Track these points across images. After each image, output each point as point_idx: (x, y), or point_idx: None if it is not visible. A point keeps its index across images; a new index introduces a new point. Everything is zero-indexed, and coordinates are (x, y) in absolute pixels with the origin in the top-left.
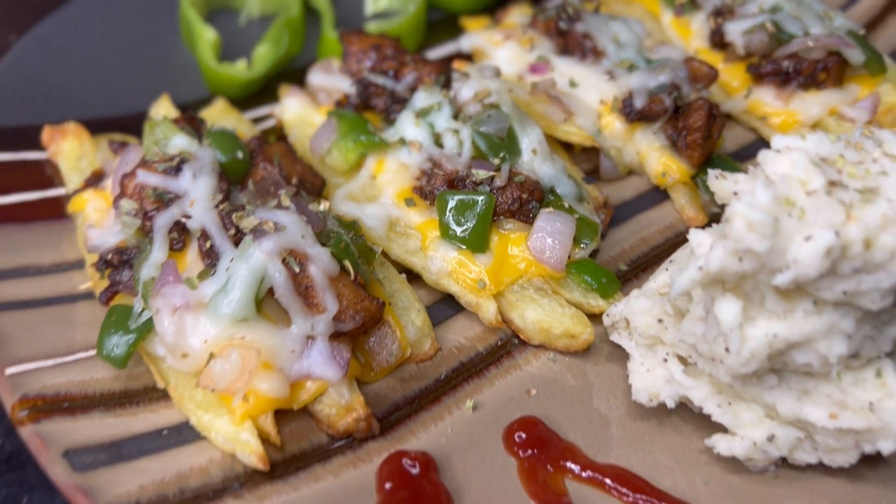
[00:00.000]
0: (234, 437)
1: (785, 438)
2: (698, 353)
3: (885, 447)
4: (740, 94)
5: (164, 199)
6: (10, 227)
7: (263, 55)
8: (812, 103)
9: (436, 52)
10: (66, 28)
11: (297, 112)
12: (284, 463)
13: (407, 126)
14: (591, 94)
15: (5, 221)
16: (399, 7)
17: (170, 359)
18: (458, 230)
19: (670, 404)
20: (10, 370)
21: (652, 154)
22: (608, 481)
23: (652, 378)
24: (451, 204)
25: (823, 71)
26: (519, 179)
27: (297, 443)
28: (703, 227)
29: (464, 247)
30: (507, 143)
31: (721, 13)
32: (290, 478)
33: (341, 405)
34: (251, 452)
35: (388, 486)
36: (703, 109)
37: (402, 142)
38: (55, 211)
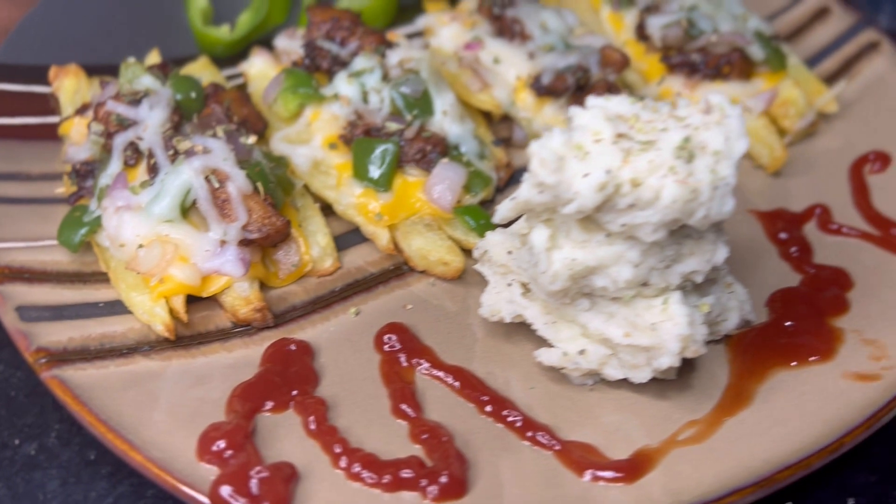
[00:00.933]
0: (150, 310)
1: (594, 354)
2: (529, 275)
3: (663, 362)
4: (655, 82)
5: (125, 124)
6: (11, 142)
7: (245, 21)
8: (715, 93)
9: (399, 30)
10: None
11: (260, 69)
12: (189, 337)
13: (341, 84)
14: (510, 70)
15: (8, 137)
16: None
17: (111, 248)
18: (367, 171)
19: (507, 319)
20: None
21: (556, 124)
22: (450, 378)
23: (498, 299)
24: (363, 148)
25: (727, 64)
26: (426, 134)
27: (204, 324)
28: None
29: (370, 185)
30: (421, 104)
31: (648, 9)
32: (192, 349)
33: (243, 298)
34: (161, 322)
35: (269, 361)
36: (601, 89)
37: (336, 97)
38: (51, 134)
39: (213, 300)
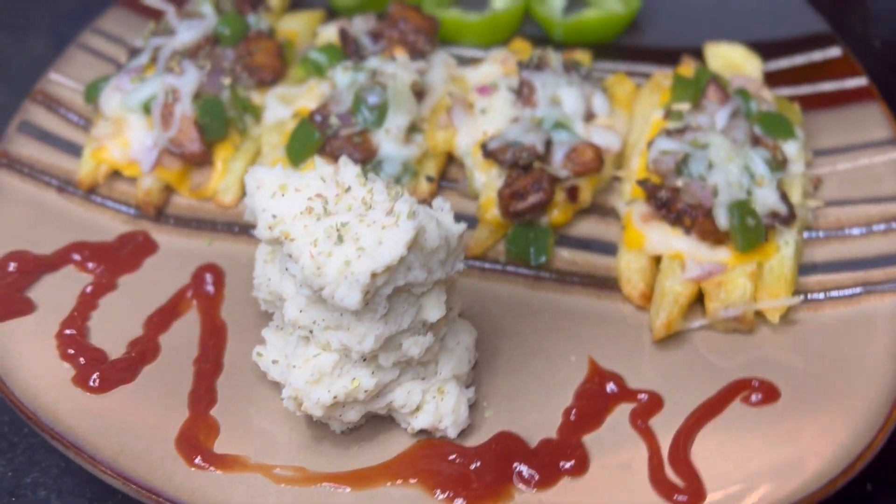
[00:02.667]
0: (84, 161)
1: (279, 369)
2: None
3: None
4: (625, 198)
5: (166, 32)
6: (138, 14)
7: None
8: (663, 238)
9: (481, 53)
10: None
11: (327, 35)
12: (97, 195)
13: (339, 71)
14: (487, 125)
15: (138, 11)
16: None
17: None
18: (290, 145)
19: (262, 307)
20: (53, 75)
21: (487, 189)
22: (206, 324)
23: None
24: (299, 128)
25: (688, 217)
26: (357, 140)
27: (119, 193)
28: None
29: (287, 157)
30: (374, 115)
31: (674, 131)
32: (89, 202)
33: (144, 188)
34: (80, 174)
35: (117, 239)
36: (531, 178)
37: (331, 79)
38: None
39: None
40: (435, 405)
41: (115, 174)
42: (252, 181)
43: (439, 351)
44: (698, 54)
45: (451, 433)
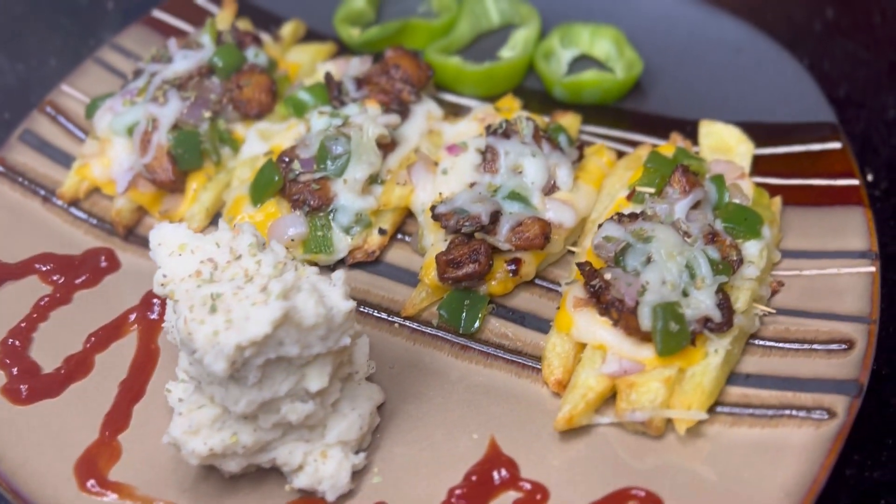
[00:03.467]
0: (69, 175)
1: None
2: None
3: None
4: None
5: (163, 59)
6: (155, 33)
7: (371, 33)
8: (589, 327)
9: (473, 103)
10: None
11: (325, 70)
12: (78, 209)
13: (315, 114)
14: (444, 186)
15: (157, 30)
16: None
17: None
18: (253, 184)
19: None
20: (64, 87)
21: (432, 251)
22: (140, 350)
23: None
24: (263, 170)
25: (615, 310)
26: (315, 187)
27: (99, 209)
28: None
29: (249, 196)
30: (336, 164)
31: (625, 217)
32: (69, 215)
33: (116, 207)
34: (65, 187)
35: (83, 254)
36: (468, 247)
37: (307, 121)
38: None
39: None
40: (315, 467)
41: (99, 191)
42: (155, 237)
43: (329, 415)
44: (695, 128)
45: (329, 497)
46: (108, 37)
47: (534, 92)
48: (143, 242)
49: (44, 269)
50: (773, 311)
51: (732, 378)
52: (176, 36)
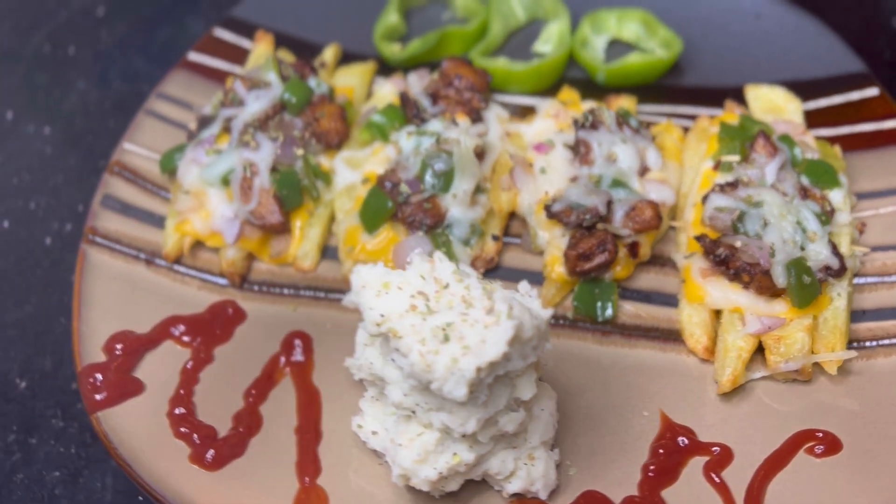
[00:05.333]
0: (168, 234)
1: (382, 440)
2: None
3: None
4: (683, 253)
5: (235, 102)
6: (197, 76)
7: (412, 47)
8: (723, 293)
9: (533, 101)
10: None
11: (384, 92)
12: (185, 266)
13: (403, 136)
14: (547, 185)
15: (198, 73)
16: (552, 54)
17: (179, 180)
18: (364, 213)
19: (355, 377)
20: (126, 145)
21: (551, 248)
22: (302, 392)
23: (364, 357)
24: (372, 196)
25: (746, 274)
26: (427, 206)
27: (202, 262)
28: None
29: (361, 224)
30: (441, 181)
31: (727, 185)
32: (178, 274)
33: (227, 258)
34: (166, 248)
35: (208, 311)
36: (595, 239)
37: (396, 143)
38: (224, 81)
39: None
40: (526, 471)
41: (197, 243)
42: (357, 280)
43: (528, 420)
44: (738, 94)
45: (542, 495)
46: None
47: (576, 80)
48: (262, 289)
49: (177, 332)
50: (868, 248)
51: (854, 316)
52: (215, 77)
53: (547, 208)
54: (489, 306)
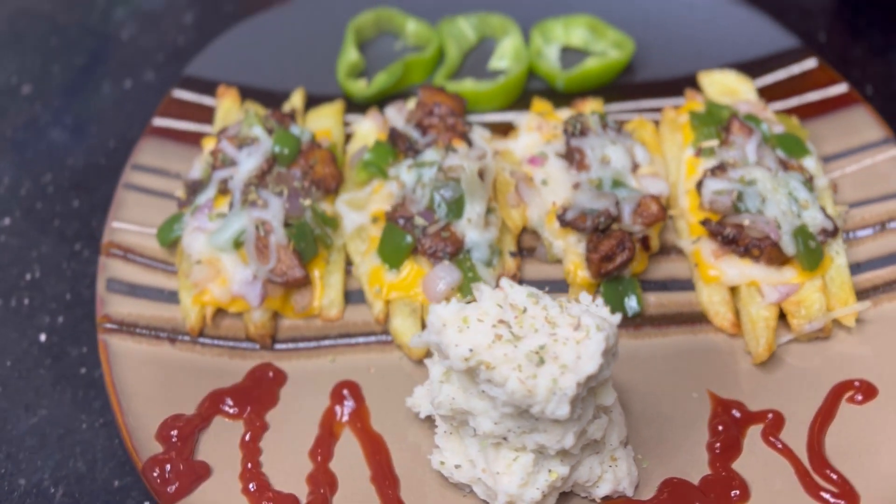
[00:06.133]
0: (188, 310)
1: (467, 472)
2: None
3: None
4: (692, 239)
5: (226, 163)
6: (168, 141)
7: (378, 81)
8: (737, 269)
9: (506, 116)
10: (283, 19)
11: (365, 130)
12: (210, 337)
13: (403, 170)
14: (552, 194)
15: (167, 138)
16: (510, 69)
17: (185, 252)
18: (384, 252)
19: (422, 415)
20: (115, 223)
21: (569, 255)
22: (366, 440)
23: (424, 394)
24: (390, 234)
25: (756, 248)
26: (445, 234)
27: (225, 330)
28: None
29: (384, 264)
30: (452, 207)
31: (716, 168)
32: (206, 347)
33: (255, 322)
34: (189, 323)
35: (248, 378)
36: (614, 239)
37: (396, 178)
38: (198, 142)
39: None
40: (612, 473)
41: (218, 311)
42: (437, 320)
43: (609, 424)
44: (691, 82)
45: (630, 492)
46: None
47: (537, 91)
48: (294, 345)
49: (225, 407)
50: (847, 206)
51: (851, 270)
52: (186, 139)
53: (560, 218)
54: (575, 322)
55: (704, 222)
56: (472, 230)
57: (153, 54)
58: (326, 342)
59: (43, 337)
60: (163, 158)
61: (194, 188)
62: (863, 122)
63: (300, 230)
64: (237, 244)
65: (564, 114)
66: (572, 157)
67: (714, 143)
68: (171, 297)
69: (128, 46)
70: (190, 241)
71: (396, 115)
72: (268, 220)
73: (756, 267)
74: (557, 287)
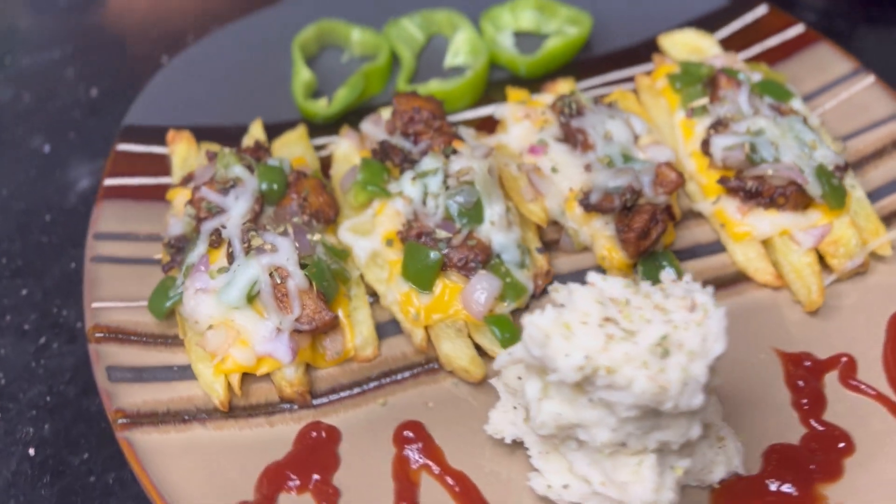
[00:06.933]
0: (210, 383)
1: (577, 490)
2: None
3: None
4: (710, 200)
5: (213, 211)
6: (127, 202)
7: (340, 97)
8: (767, 222)
9: (482, 111)
10: (212, 49)
11: (344, 151)
12: (242, 408)
13: (406, 183)
14: (566, 180)
15: (125, 197)
16: (470, 63)
17: (188, 322)
18: (412, 273)
19: (508, 440)
20: (94, 304)
21: (600, 240)
22: (450, 480)
23: (503, 418)
24: (413, 253)
25: (782, 196)
26: (471, 243)
27: (256, 396)
28: None
29: (413, 285)
30: (472, 213)
31: (716, 125)
32: (241, 419)
33: (288, 380)
34: (217, 397)
35: (299, 443)
36: (646, 213)
37: (400, 194)
38: (160, 194)
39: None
40: (724, 454)
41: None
42: (537, 331)
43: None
44: (650, 47)
45: (741, 469)
46: None
47: (502, 80)
48: (335, 397)
49: (287, 483)
50: (842, 140)
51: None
52: (146, 195)
53: (583, 203)
54: (688, 304)
55: (722, 181)
56: (496, 233)
57: (68, 111)
58: (370, 385)
59: (32, 451)
60: (126, 222)
61: (178, 246)
62: (829, 58)
63: (318, 268)
64: (251, 298)
65: (546, 98)
66: (574, 138)
67: (704, 101)
68: (184, 373)
69: (30, 108)
70: (194, 305)
71: (375, 128)
72: (281, 265)
73: (784, 215)
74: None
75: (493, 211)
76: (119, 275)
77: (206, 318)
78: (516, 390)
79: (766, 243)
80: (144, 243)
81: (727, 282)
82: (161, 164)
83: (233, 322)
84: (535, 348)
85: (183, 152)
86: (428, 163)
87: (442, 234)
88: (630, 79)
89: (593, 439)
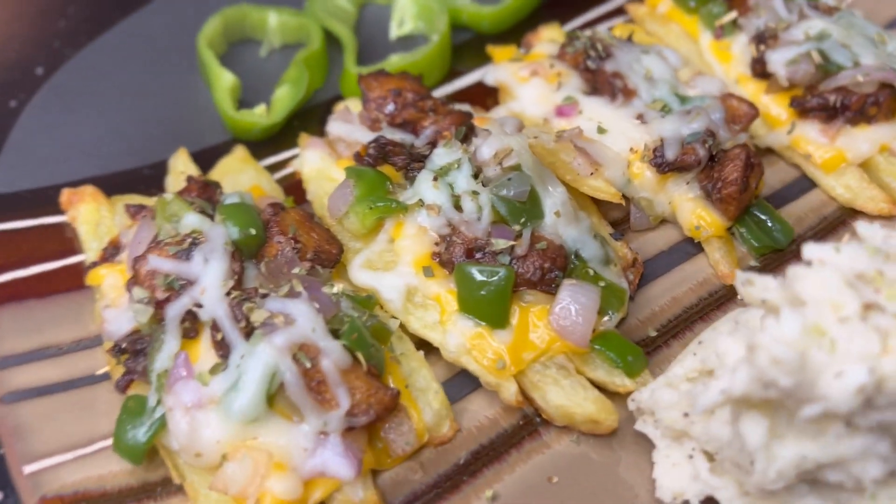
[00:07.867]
0: None
1: None
2: (725, 455)
3: None
4: (783, 128)
5: (176, 287)
6: (28, 303)
7: (283, 98)
8: (861, 140)
9: (461, 82)
10: (80, 77)
11: (316, 166)
12: None
13: (425, 187)
14: (620, 140)
15: (24, 298)
16: (424, 29)
17: (184, 455)
18: (476, 305)
19: (694, 502)
20: (27, 468)
21: (685, 205)
22: None
23: (677, 473)
24: (468, 277)
25: (874, 105)
26: (541, 246)
27: None
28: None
29: (483, 322)
30: (528, 207)
31: (763, 39)
32: None
33: (361, 499)
34: None
35: None
36: (739, 159)
37: (421, 203)
38: (75, 280)
39: None
40: None
41: None
42: (787, 352)
43: None
44: None
45: None
46: None
47: (468, 42)
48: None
49: None
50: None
51: None
52: (51, 287)
53: (658, 163)
54: None
55: (799, 101)
56: (565, 226)
57: None
58: (464, 477)
59: None
60: (36, 331)
61: (132, 350)
62: None
63: (357, 332)
64: (272, 399)
65: (546, 49)
66: (610, 86)
67: (732, 15)
68: None
69: None
70: (189, 431)
71: (347, 127)
72: (306, 340)
73: (879, 127)
74: (677, 256)
75: (554, 198)
76: (53, 411)
77: (214, 445)
78: (685, 433)
79: (866, 165)
80: (73, 356)
81: (835, 221)
82: (60, 240)
83: (254, 441)
84: (785, 377)
85: (90, 216)
86: (442, 155)
87: (500, 242)
88: (618, 11)
89: (856, 479)
